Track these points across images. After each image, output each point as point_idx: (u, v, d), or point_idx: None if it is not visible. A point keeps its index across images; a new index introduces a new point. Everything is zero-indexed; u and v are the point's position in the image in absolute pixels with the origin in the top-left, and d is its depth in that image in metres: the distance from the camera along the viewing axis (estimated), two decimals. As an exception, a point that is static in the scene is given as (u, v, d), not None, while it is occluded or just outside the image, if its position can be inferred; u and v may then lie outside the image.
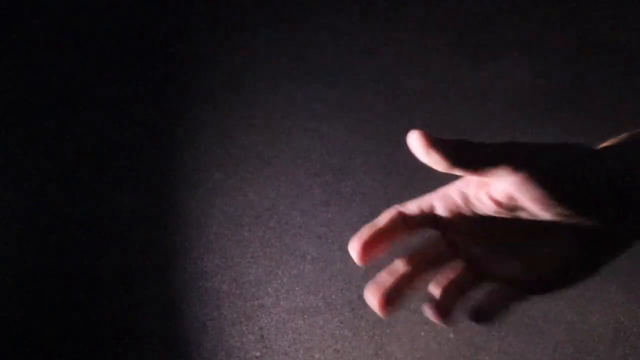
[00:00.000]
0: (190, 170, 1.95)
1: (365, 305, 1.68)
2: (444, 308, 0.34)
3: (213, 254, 1.70)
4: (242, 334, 1.51)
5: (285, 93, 2.26)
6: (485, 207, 0.33)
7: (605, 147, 0.32)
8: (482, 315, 0.33)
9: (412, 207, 0.36)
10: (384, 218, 0.36)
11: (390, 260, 0.37)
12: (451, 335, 1.47)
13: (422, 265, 0.35)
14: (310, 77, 2.33)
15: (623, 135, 0.33)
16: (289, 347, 1.48)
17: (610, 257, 0.32)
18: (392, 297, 0.34)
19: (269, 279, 1.63)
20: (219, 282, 1.63)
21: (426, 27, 2.55)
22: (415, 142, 0.31)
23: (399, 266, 0.35)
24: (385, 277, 0.35)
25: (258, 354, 1.47)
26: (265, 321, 1.54)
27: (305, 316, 1.54)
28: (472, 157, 0.30)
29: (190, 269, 1.66)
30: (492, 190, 0.32)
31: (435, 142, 0.30)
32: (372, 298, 0.34)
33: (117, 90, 2.30)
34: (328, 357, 1.46)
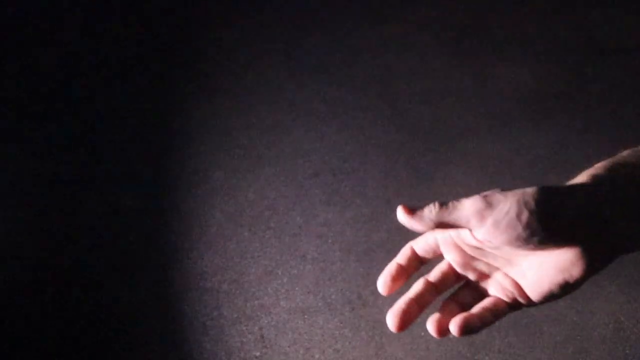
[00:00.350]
0: (190, 170, 1.95)
1: (365, 305, 1.68)
2: (442, 323, 0.39)
3: (213, 254, 1.70)
4: (242, 334, 1.51)
5: (285, 93, 2.26)
6: (473, 242, 0.38)
7: (573, 186, 0.36)
8: (469, 328, 0.38)
9: (421, 242, 0.42)
10: (402, 256, 0.42)
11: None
12: (451, 335, 1.47)
13: (429, 288, 0.41)
14: (309, 77, 2.33)
15: (594, 170, 0.37)
16: (289, 347, 1.48)
17: (593, 272, 0.36)
18: (406, 318, 0.39)
19: (269, 279, 1.63)
20: (219, 282, 1.63)
21: (426, 28, 2.55)
22: (400, 215, 0.38)
23: (411, 291, 0.41)
24: (400, 303, 0.40)
25: (258, 354, 1.47)
26: (265, 321, 1.54)
27: (305, 316, 1.54)
28: (447, 221, 0.36)
29: (190, 269, 1.66)
30: (474, 233, 0.37)
31: (414, 213, 0.37)
32: (390, 321, 0.40)
33: (117, 90, 2.30)
34: (328, 357, 1.46)
